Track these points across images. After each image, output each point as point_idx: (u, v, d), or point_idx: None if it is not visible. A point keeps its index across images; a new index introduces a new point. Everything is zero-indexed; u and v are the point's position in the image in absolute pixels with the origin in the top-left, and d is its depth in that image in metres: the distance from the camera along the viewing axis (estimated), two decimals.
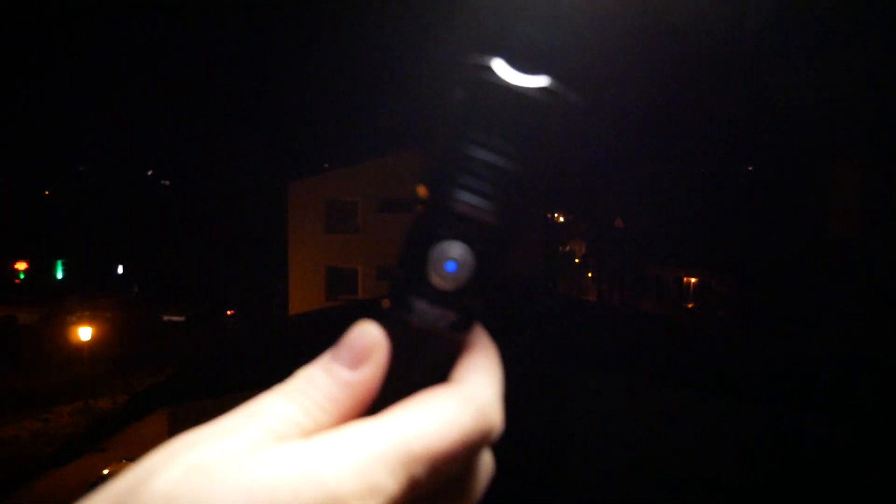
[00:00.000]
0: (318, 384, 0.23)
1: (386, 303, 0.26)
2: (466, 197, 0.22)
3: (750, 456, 1.29)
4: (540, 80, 0.23)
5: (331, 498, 0.19)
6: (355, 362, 0.24)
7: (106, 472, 5.09)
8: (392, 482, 0.20)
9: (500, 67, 0.23)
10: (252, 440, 0.20)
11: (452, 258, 0.24)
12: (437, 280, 0.23)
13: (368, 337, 0.24)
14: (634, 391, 1.43)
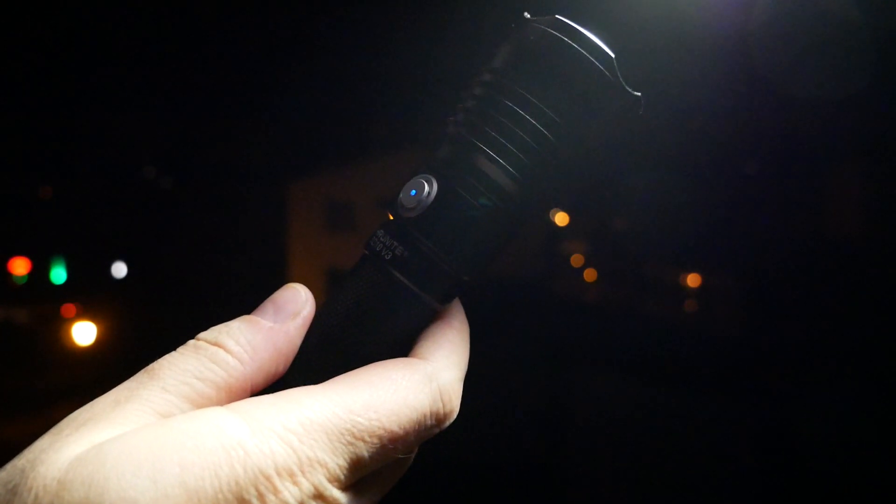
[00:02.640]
0: (234, 331, 0.19)
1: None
2: (488, 148, 0.21)
3: (750, 456, 1.29)
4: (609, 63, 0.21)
5: (253, 472, 0.15)
6: (278, 315, 0.21)
7: None
8: (332, 460, 0.17)
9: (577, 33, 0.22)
10: (151, 407, 0.17)
11: (416, 187, 0.22)
12: (399, 208, 0.22)
13: (294, 292, 0.21)
14: (633, 391, 1.43)
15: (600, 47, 0.20)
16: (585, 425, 1.44)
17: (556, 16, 0.20)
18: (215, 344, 0.19)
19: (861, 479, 1.14)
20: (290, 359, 0.20)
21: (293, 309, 0.21)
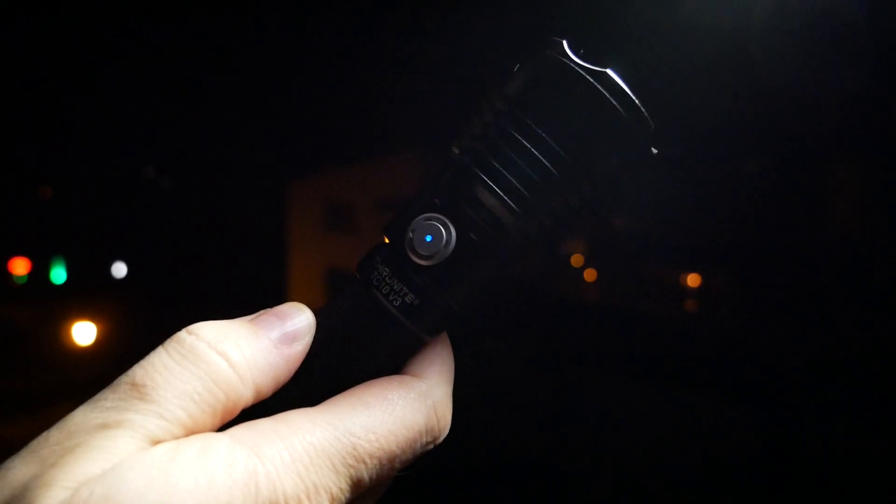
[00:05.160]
0: (240, 343, 0.18)
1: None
2: (489, 185, 0.20)
3: (750, 455, 1.29)
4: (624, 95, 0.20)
5: (264, 501, 0.15)
6: (284, 336, 0.20)
7: None
8: (336, 484, 0.17)
9: (581, 59, 0.21)
10: (148, 434, 0.16)
11: (433, 233, 0.21)
12: (410, 251, 0.21)
13: (301, 313, 0.21)
14: (633, 391, 1.43)
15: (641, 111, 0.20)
16: (585, 425, 1.44)
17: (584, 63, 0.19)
18: (217, 352, 0.18)
19: (861, 480, 1.14)
20: (283, 383, 0.20)
21: (298, 333, 0.20)
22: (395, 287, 0.21)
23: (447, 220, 0.21)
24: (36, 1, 1.16)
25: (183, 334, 0.18)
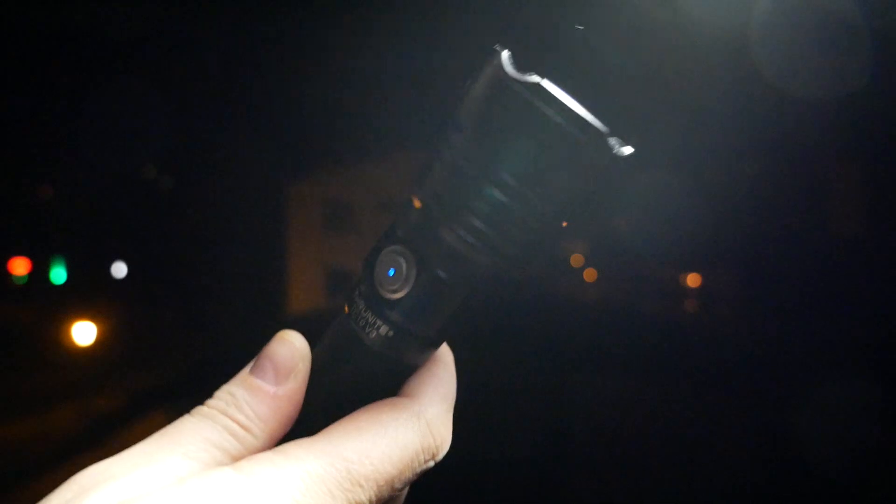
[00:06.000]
0: (241, 402, 0.20)
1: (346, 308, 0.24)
2: (446, 220, 0.20)
3: (750, 455, 1.29)
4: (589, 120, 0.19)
5: None
6: (279, 376, 0.21)
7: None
8: None
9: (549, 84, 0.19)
10: (173, 472, 0.18)
11: (395, 266, 0.21)
12: (378, 284, 0.21)
13: (291, 347, 0.22)
14: (633, 391, 1.43)
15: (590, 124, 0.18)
16: (585, 425, 1.44)
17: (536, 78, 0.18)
18: (227, 416, 0.20)
19: (861, 480, 1.14)
20: (295, 418, 0.22)
21: (291, 367, 0.22)
22: (370, 320, 0.21)
23: (409, 253, 0.21)
24: (36, 1, 1.16)
25: (202, 407, 0.20)
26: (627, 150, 0.19)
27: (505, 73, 0.18)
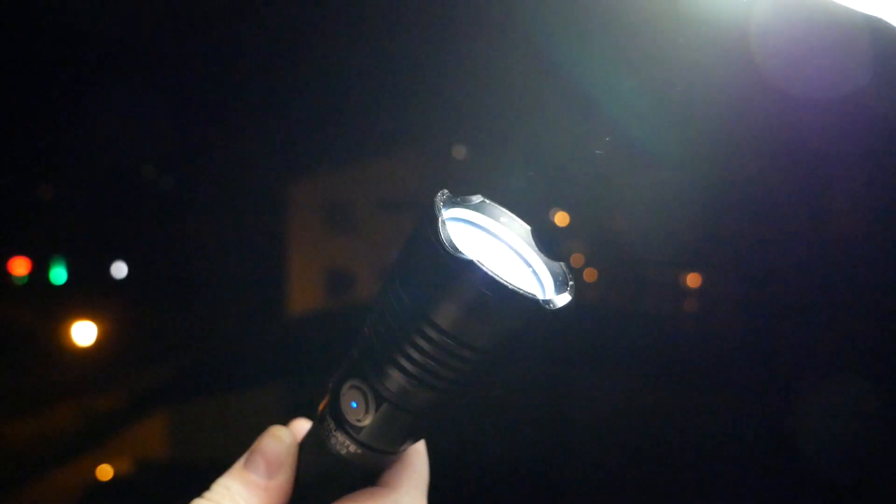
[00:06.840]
0: (236, 496, 0.23)
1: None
2: (392, 361, 0.21)
3: (750, 455, 1.29)
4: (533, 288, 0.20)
5: None
6: (270, 470, 0.24)
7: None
8: None
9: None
10: None
11: (357, 401, 0.23)
12: (343, 411, 0.23)
13: (280, 443, 0.24)
14: (633, 391, 1.43)
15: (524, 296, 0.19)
16: (585, 425, 1.44)
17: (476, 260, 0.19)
18: None
19: (862, 480, 1.14)
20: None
21: (282, 462, 0.25)
22: (340, 439, 0.24)
23: (366, 387, 0.23)
24: (36, 1, 1.16)
25: (202, 500, 0.22)
26: (558, 301, 0.20)
27: (440, 248, 0.20)
